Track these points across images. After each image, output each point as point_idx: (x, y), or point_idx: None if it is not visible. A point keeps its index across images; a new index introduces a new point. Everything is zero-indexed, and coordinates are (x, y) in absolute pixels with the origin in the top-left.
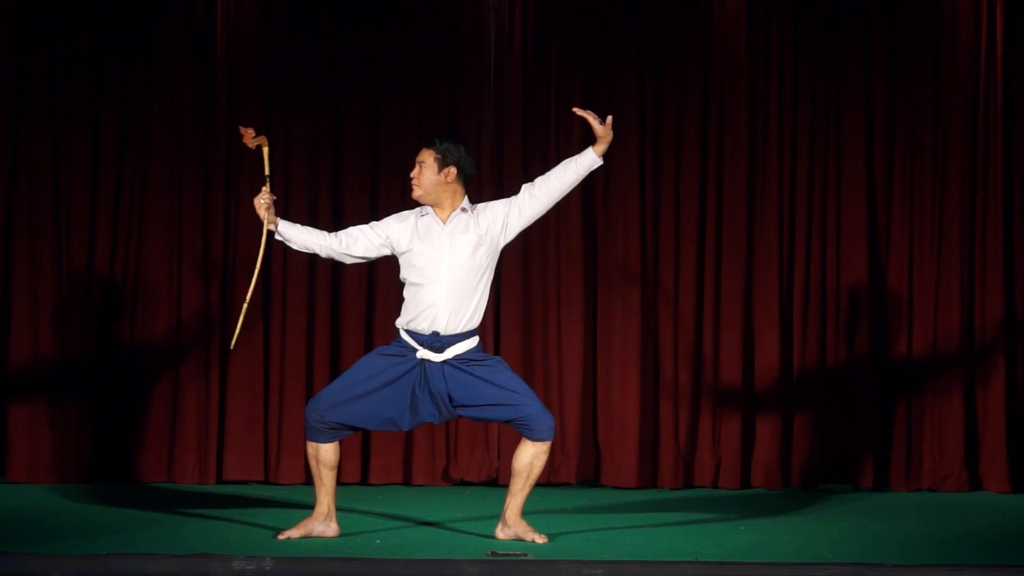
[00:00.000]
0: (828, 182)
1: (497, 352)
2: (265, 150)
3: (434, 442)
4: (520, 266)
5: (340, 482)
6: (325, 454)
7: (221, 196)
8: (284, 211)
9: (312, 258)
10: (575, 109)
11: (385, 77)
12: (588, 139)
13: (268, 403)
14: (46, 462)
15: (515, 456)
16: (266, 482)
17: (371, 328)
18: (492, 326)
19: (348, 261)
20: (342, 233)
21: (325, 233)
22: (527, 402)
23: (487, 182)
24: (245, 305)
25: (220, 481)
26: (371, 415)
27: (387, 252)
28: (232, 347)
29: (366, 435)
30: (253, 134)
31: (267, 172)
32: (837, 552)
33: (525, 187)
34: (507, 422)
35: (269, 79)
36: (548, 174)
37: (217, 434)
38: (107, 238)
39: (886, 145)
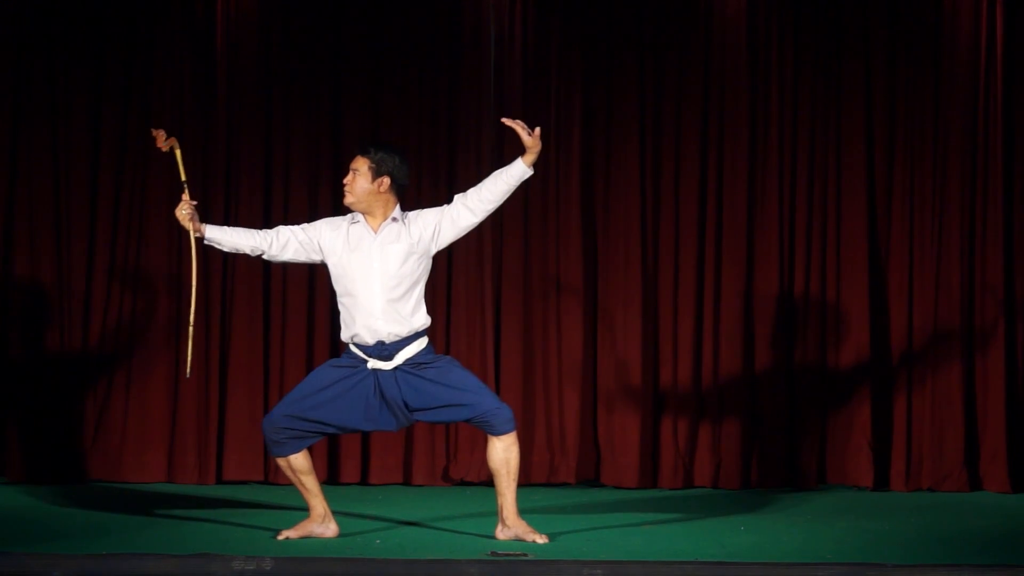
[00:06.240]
0: (828, 182)
1: (498, 352)
2: (177, 152)
3: (434, 442)
4: (520, 265)
5: (340, 482)
6: (296, 462)
7: (221, 195)
8: (285, 209)
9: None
10: (504, 119)
11: (385, 77)
12: (588, 141)
13: (268, 403)
14: (46, 462)
15: (488, 457)
16: (266, 482)
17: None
18: (492, 326)
19: (276, 262)
20: (272, 233)
21: (254, 232)
22: (481, 400)
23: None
24: (190, 328)
25: (220, 481)
26: (326, 425)
27: (317, 258)
28: (188, 375)
29: (366, 435)
30: (164, 136)
31: (183, 177)
32: (837, 552)
33: (458, 198)
34: (466, 422)
35: (269, 79)
36: (480, 186)
37: (217, 434)
38: (107, 238)
39: (886, 144)
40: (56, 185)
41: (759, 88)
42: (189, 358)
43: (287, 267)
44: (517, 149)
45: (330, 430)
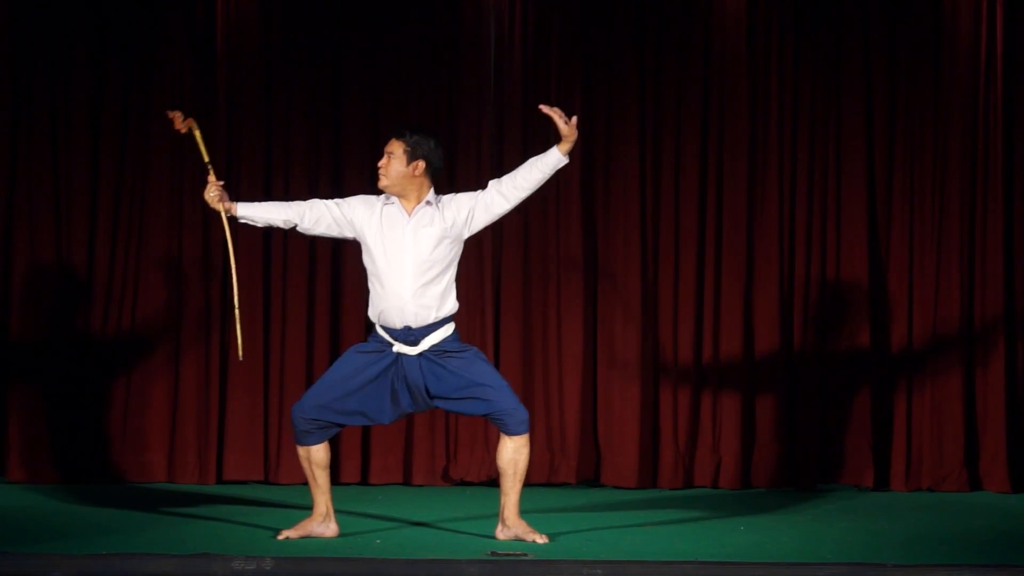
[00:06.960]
0: (828, 181)
1: (497, 352)
2: (197, 133)
3: (434, 442)
4: (520, 266)
5: (340, 482)
6: (316, 454)
7: None
8: None
9: (311, 256)
10: (541, 107)
11: (385, 77)
12: (588, 140)
13: (268, 402)
14: (45, 462)
15: (497, 455)
16: (266, 482)
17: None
18: (492, 326)
19: (308, 235)
20: (306, 205)
21: (287, 204)
22: (500, 396)
23: (487, 181)
24: (236, 311)
25: (220, 481)
26: (356, 412)
27: (349, 235)
28: (241, 357)
29: (366, 435)
30: (181, 117)
31: (206, 159)
32: (837, 552)
33: (492, 184)
34: (482, 416)
35: (269, 79)
36: (515, 172)
37: (217, 434)
38: (107, 238)
39: (886, 144)
40: (56, 184)
41: (759, 88)
42: (240, 341)
43: (289, 261)
44: (517, 149)
45: (358, 420)
